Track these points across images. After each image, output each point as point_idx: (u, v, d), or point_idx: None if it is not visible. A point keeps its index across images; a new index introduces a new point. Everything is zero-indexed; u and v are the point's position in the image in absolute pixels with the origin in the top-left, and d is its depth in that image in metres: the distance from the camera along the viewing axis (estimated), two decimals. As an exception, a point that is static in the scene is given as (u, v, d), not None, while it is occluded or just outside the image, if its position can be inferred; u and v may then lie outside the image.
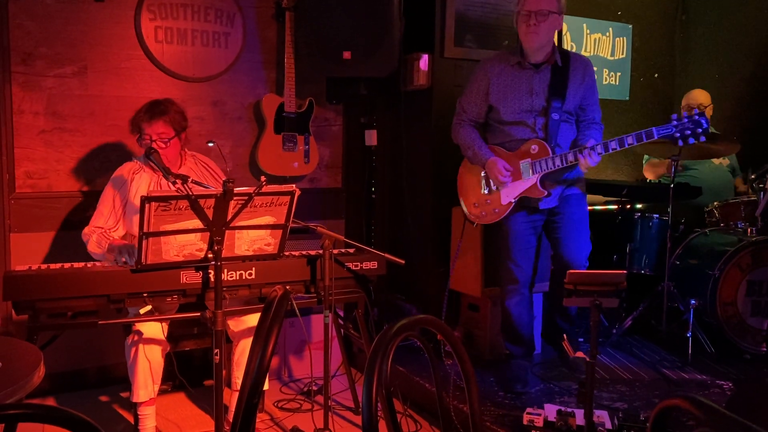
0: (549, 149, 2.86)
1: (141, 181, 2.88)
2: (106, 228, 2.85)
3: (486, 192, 3.04)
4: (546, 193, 2.90)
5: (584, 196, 3.08)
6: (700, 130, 2.72)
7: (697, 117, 2.73)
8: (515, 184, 2.94)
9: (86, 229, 2.87)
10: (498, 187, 2.98)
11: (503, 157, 2.95)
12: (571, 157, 2.82)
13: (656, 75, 5.02)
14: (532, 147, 2.90)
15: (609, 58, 4.76)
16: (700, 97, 4.21)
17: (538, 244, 3.11)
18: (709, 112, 4.15)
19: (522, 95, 2.92)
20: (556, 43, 3.06)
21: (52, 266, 2.52)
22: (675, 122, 2.74)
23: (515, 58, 2.95)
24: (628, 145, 2.76)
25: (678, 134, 2.74)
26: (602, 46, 4.73)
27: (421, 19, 3.62)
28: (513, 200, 2.96)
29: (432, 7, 3.56)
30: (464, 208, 3.17)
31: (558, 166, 2.85)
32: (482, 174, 3.05)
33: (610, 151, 2.79)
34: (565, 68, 2.93)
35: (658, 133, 2.73)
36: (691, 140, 2.73)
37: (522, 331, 3.11)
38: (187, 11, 3.45)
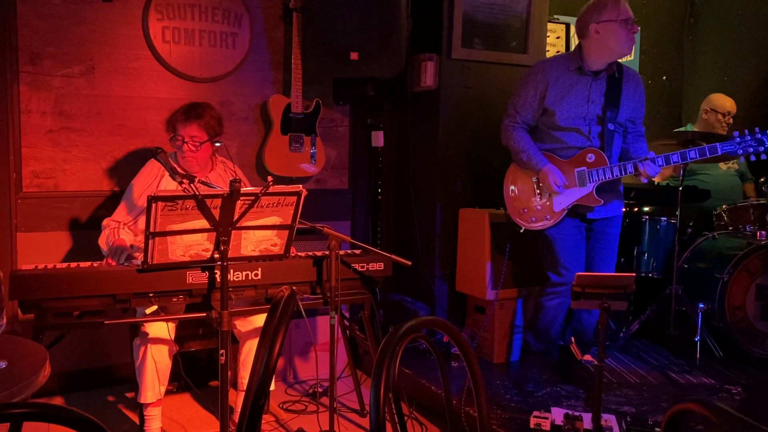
0: (606, 159, 2.85)
1: (170, 179, 2.87)
2: (123, 223, 2.86)
3: (538, 199, 2.98)
4: (602, 201, 2.89)
5: (622, 214, 3.10)
6: (763, 149, 2.78)
7: (759, 135, 2.78)
8: (570, 192, 2.90)
9: (106, 221, 2.89)
10: (551, 194, 2.94)
11: (557, 165, 2.91)
12: (630, 168, 2.82)
13: (665, 77, 5.00)
14: (589, 156, 2.87)
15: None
16: (726, 104, 4.16)
17: (584, 250, 3.08)
18: (730, 121, 4.14)
19: (580, 101, 2.88)
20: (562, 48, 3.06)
21: (59, 266, 2.52)
22: (738, 139, 2.80)
23: (575, 62, 2.90)
24: (691, 159, 2.80)
25: (740, 151, 2.79)
26: (610, 48, 4.70)
27: (429, 20, 3.62)
28: (567, 208, 2.92)
29: (439, 9, 3.55)
30: (509, 214, 3.09)
31: (616, 175, 2.84)
32: (534, 179, 2.99)
33: (672, 164, 2.83)
34: (619, 79, 2.91)
35: (722, 149, 2.77)
36: (753, 158, 2.81)
37: (551, 332, 3.11)
38: (195, 12, 3.45)
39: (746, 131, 2.79)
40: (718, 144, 2.77)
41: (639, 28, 2.84)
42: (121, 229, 2.84)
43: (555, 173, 2.87)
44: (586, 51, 2.89)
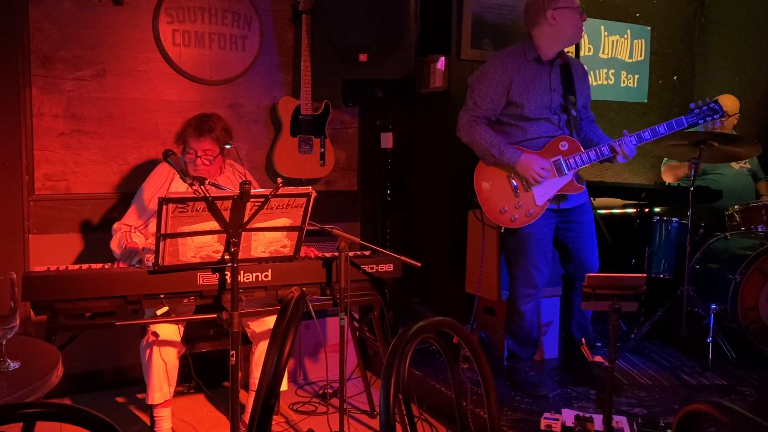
0: (579, 145, 2.87)
1: (180, 181, 2.89)
2: (134, 226, 2.87)
3: (517, 194, 2.92)
4: (582, 187, 2.91)
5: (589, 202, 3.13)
6: (717, 116, 2.90)
7: (711, 104, 2.91)
8: (550, 183, 2.89)
9: (116, 225, 2.91)
10: (531, 186, 2.90)
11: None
12: (606, 150, 2.84)
13: (675, 77, 4.97)
14: (561, 144, 2.88)
15: (627, 60, 4.72)
16: (727, 102, 4.15)
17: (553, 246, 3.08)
18: (734, 121, 4.12)
19: (543, 91, 2.89)
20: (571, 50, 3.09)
21: (71, 267, 2.54)
22: (696, 110, 2.91)
23: (532, 53, 2.90)
24: (661, 134, 2.86)
25: (701, 121, 2.90)
26: (620, 48, 4.69)
27: (438, 21, 3.61)
28: (550, 199, 2.91)
29: (448, 10, 3.55)
30: (489, 216, 3.00)
31: (593, 159, 2.85)
32: (508, 176, 2.94)
33: (644, 140, 2.85)
34: (568, 66, 2.95)
35: (687, 121, 2.87)
36: (719, 123, 3.00)
37: (533, 334, 3.09)
38: (205, 14, 3.47)
39: (699, 101, 2.94)
40: (683, 117, 2.89)
41: (587, 17, 2.91)
42: (132, 233, 2.86)
43: (537, 160, 2.84)
44: (539, 40, 2.89)
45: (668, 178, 4.36)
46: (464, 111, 3.00)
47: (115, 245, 2.85)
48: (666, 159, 4.33)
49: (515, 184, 2.93)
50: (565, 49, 2.98)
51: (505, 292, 3.34)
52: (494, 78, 2.90)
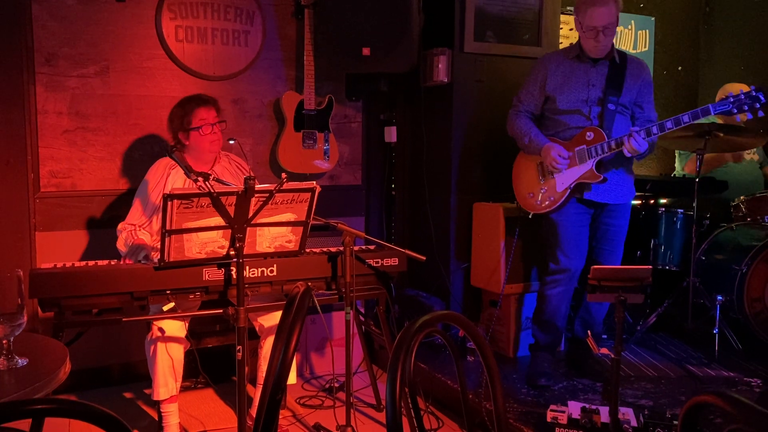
0: (604, 135, 2.87)
1: (177, 176, 2.90)
2: (138, 225, 2.88)
3: (542, 180, 3.03)
4: (602, 177, 2.89)
5: (630, 205, 3.10)
6: (758, 105, 2.72)
7: (754, 93, 2.73)
8: (571, 171, 2.93)
9: (121, 225, 2.92)
10: (553, 173, 2.97)
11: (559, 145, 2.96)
12: (627, 138, 2.81)
13: (680, 68, 4.94)
14: (588, 134, 2.90)
15: (631, 50, 4.70)
16: (736, 89, 4.11)
17: (587, 238, 3.07)
18: None
19: (579, 86, 2.94)
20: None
21: (77, 264, 2.55)
22: (732, 98, 2.75)
23: (573, 51, 2.98)
24: (684, 123, 2.74)
25: (735, 109, 2.74)
26: (624, 38, 4.67)
27: (441, 14, 3.60)
28: (570, 187, 2.94)
29: (451, 3, 3.53)
30: (518, 200, 3.16)
31: (613, 150, 2.84)
32: (538, 162, 3.04)
33: (666, 130, 2.77)
34: (622, 65, 2.95)
35: (714, 110, 2.73)
36: (749, 115, 2.74)
37: (557, 322, 3.10)
38: (208, 10, 3.47)
39: (741, 90, 2.76)
40: (710, 105, 2.74)
41: (605, 35, 2.84)
42: (137, 231, 2.87)
43: (556, 147, 2.93)
44: (581, 40, 2.96)
45: (689, 169, 4.31)
46: (511, 108, 3.16)
47: (121, 244, 2.86)
48: (679, 151, 4.29)
49: (542, 170, 3.04)
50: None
51: (508, 286, 3.34)
52: (533, 76, 3.08)
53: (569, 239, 2.99)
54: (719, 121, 3.91)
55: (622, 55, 3.00)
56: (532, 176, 3.08)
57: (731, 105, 2.74)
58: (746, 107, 2.73)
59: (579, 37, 2.97)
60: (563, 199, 2.96)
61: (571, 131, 2.95)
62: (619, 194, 2.99)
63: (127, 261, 2.68)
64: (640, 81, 2.97)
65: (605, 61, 2.94)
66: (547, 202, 3.01)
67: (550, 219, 3.03)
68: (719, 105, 2.75)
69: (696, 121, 2.76)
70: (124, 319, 2.50)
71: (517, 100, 3.13)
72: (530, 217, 3.13)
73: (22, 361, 1.63)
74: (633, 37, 4.70)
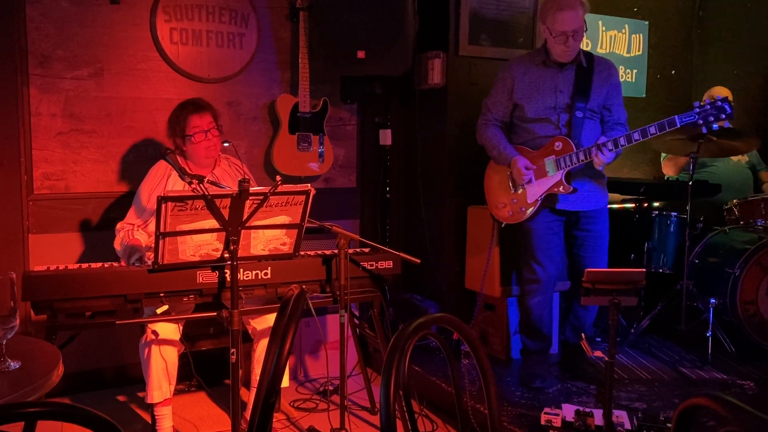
0: (573, 145, 2.86)
1: (177, 178, 2.89)
2: (136, 225, 2.88)
3: (513, 191, 3.03)
4: (571, 188, 2.89)
5: (607, 209, 3.08)
6: (724, 116, 2.69)
7: (720, 103, 2.70)
8: (541, 182, 2.93)
9: (119, 224, 2.92)
10: (524, 185, 2.97)
11: (527, 156, 2.95)
12: (595, 151, 2.80)
13: (673, 72, 4.96)
14: (556, 144, 2.90)
15: (625, 55, 4.72)
16: (722, 92, 4.15)
17: (561, 245, 3.08)
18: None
19: (547, 93, 2.93)
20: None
21: (70, 267, 2.54)
22: (697, 109, 2.72)
23: (540, 57, 2.96)
24: (651, 135, 2.73)
25: (701, 121, 2.71)
26: (618, 43, 4.68)
27: (436, 17, 3.61)
28: (540, 198, 2.94)
29: (446, 6, 3.54)
30: (491, 210, 3.17)
31: (582, 160, 2.84)
32: (508, 173, 3.04)
33: (633, 142, 2.76)
34: (589, 68, 2.94)
35: (681, 121, 2.71)
36: (715, 126, 2.71)
37: (542, 329, 3.10)
38: (202, 12, 3.47)
39: (706, 99, 2.73)
40: (676, 116, 2.71)
41: (574, 42, 2.82)
42: (135, 231, 2.87)
43: (521, 160, 2.92)
44: (548, 45, 2.94)
45: (669, 171, 4.36)
46: (480, 116, 3.15)
47: (117, 243, 2.86)
48: (664, 153, 4.33)
49: (512, 182, 3.04)
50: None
51: (502, 289, 3.35)
52: (500, 83, 3.05)
53: (542, 248, 3.00)
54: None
55: (589, 57, 2.97)
56: (503, 186, 3.08)
57: (697, 116, 2.71)
58: (712, 118, 2.70)
59: (545, 42, 2.94)
60: (534, 209, 2.97)
61: (540, 140, 2.95)
62: (592, 201, 2.98)
63: (122, 262, 2.68)
64: (608, 84, 2.96)
65: (572, 65, 2.92)
66: (519, 213, 3.02)
67: (523, 229, 3.04)
68: (685, 116, 2.72)
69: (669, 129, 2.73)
70: (117, 322, 2.49)
71: (485, 108, 3.11)
72: (503, 226, 3.16)
73: (14, 364, 1.62)
74: (627, 41, 4.72)
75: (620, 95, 3.04)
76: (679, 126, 2.71)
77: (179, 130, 2.88)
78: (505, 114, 3.05)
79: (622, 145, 2.76)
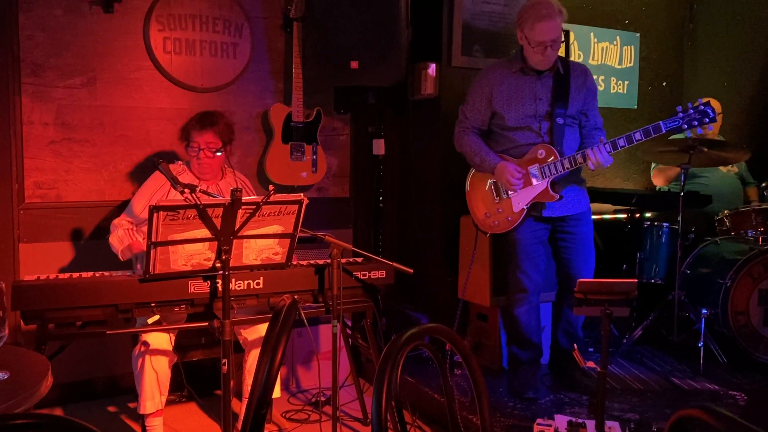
0: (556, 152, 2.87)
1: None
2: (135, 224, 2.89)
3: (497, 200, 3.02)
4: (557, 196, 2.89)
5: (590, 211, 3.09)
6: (707, 120, 2.72)
7: (702, 107, 2.73)
8: (526, 191, 2.93)
9: (116, 220, 2.95)
10: (509, 193, 2.96)
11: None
12: (580, 158, 2.82)
13: (664, 83, 5.01)
14: (539, 152, 2.90)
15: (617, 66, 4.75)
16: (712, 104, 4.19)
17: (546, 253, 3.09)
18: (719, 121, 4.13)
19: (526, 101, 2.93)
20: (562, 54, 3.06)
21: (61, 276, 2.52)
22: (681, 114, 2.75)
23: (517, 64, 2.96)
24: (637, 141, 2.75)
25: (686, 125, 2.74)
26: (610, 54, 4.72)
27: (429, 28, 3.63)
28: (525, 206, 2.94)
29: (439, 17, 3.56)
30: (475, 220, 3.16)
31: (567, 168, 2.85)
32: (490, 182, 3.04)
33: (619, 148, 2.77)
34: (566, 75, 2.95)
35: (665, 126, 2.73)
36: (699, 130, 2.74)
37: (531, 338, 3.10)
38: (196, 22, 3.47)
39: (689, 104, 2.75)
40: (660, 122, 2.74)
41: (552, 52, 2.82)
42: (136, 232, 2.88)
43: (509, 167, 2.91)
44: (525, 52, 2.94)
45: (658, 182, 4.39)
46: (457, 123, 3.13)
47: (115, 240, 2.87)
48: (654, 163, 4.35)
49: (496, 190, 3.03)
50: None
51: (495, 299, 3.35)
52: (478, 91, 3.04)
53: (529, 258, 3.00)
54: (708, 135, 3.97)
55: (565, 63, 2.98)
56: (487, 196, 3.07)
57: (681, 121, 2.73)
58: (696, 122, 2.73)
59: (522, 49, 2.94)
60: (520, 219, 2.96)
61: (521, 148, 2.94)
62: (576, 205, 3.00)
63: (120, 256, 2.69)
64: (584, 89, 2.97)
65: (549, 72, 2.93)
66: (505, 223, 3.01)
67: (508, 238, 3.04)
68: (670, 121, 2.74)
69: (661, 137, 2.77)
70: (108, 332, 2.47)
71: (462, 115, 3.09)
72: (488, 236, 3.15)
73: (2, 375, 1.61)
74: (618, 53, 4.75)
75: (596, 99, 3.06)
76: (664, 131, 2.73)
77: (185, 137, 3.00)
78: (483, 122, 3.04)
79: (621, 146, 2.77)
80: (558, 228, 3.03)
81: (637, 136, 2.74)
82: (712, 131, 4.05)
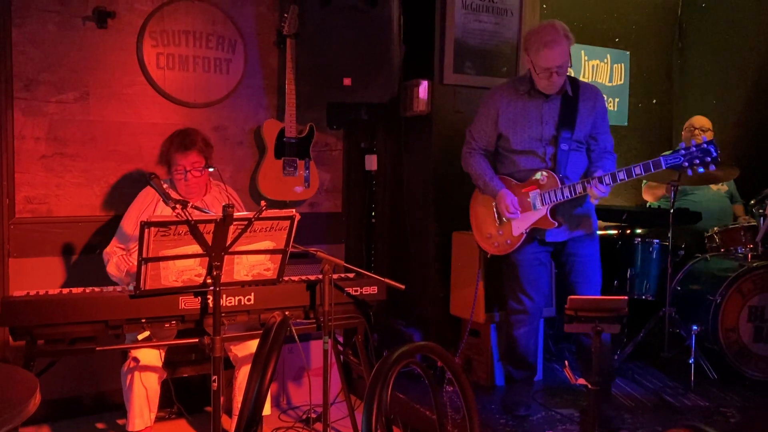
0: (557, 180, 2.84)
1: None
2: (126, 249, 2.87)
3: (498, 224, 3.02)
4: (556, 224, 2.88)
5: (595, 233, 3.03)
6: (710, 159, 2.68)
7: (705, 145, 2.69)
8: (526, 215, 2.91)
9: (108, 249, 2.93)
10: (509, 218, 2.96)
11: (512, 188, 2.93)
12: (579, 188, 2.79)
13: (654, 101, 5.06)
14: (541, 178, 2.88)
15: (607, 84, 4.80)
16: (701, 121, 4.24)
17: (548, 274, 3.08)
18: (709, 136, 4.18)
19: (532, 124, 2.90)
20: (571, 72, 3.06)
21: (51, 292, 2.50)
22: (683, 151, 2.71)
23: (524, 86, 2.93)
24: (636, 175, 2.73)
25: (686, 163, 2.70)
26: (600, 72, 4.77)
27: (421, 46, 3.66)
28: (525, 231, 2.93)
29: (431, 35, 3.59)
30: (477, 241, 3.16)
31: (567, 197, 2.82)
32: (494, 204, 3.02)
33: (618, 181, 2.75)
34: (575, 97, 2.90)
35: (666, 163, 2.70)
36: (701, 169, 2.70)
37: (528, 359, 3.09)
38: (189, 38, 3.49)
39: (693, 141, 2.72)
40: (661, 158, 2.71)
41: (558, 78, 2.80)
42: (130, 256, 2.87)
43: (508, 197, 2.90)
44: (532, 76, 2.90)
45: (648, 198, 4.42)
46: (464, 144, 3.12)
47: (113, 269, 2.86)
48: (645, 180, 4.39)
49: (497, 213, 3.02)
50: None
51: (487, 315, 3.35)
52: (484, 112, 3.02)
53: (529, 280, 2.98)
54: None
55: (575, 84, 2.93)
56: (489, 217, 3.07)
57: (683, 158, 2.70)
58: (697, 161, 2.69)
59: (529, 72, 2.89)
60: (520, 242, 2.95)
61: (525, 174, 2.93)
62: (579, 228, 2.95)
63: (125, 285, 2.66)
64: (594, 112, 2.92)
65: (557, 95, 2.89)
66: (505, 245, 3.01)
67: (509, 260, 3.03)
68: (671, 158, 2.71)
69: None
70: (98, 348, 2.46)
71: (470, 136, 3.07)
72: (488, 257, 3.15)
73: (-10, 393, 1.59)
74: (609, 71, 4.81)
75: (607, 122, 3.00)
76: (664, 168, 2.70)
77: (165, 161, 3.01)
78: (490, 143, 3.02)
79: (620, 179, 2.73)
80: (561, 250, 2.99)
81: (637, 170, 2.71)
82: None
